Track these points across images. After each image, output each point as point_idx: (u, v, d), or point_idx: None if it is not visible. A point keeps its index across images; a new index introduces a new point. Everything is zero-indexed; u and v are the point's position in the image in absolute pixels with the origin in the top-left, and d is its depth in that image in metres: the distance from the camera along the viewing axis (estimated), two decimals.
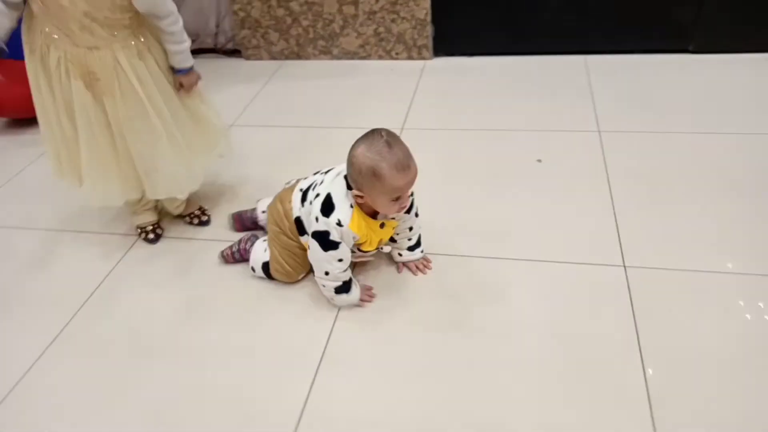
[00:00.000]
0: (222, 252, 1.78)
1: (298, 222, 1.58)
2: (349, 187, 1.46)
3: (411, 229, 1.64)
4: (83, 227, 1.94)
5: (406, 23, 2.94)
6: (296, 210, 1.58)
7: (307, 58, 3.14)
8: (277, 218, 1.62)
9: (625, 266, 1.59)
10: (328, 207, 1.45)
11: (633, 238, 1.68)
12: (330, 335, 1.51)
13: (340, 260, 1.49)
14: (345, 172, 1.48)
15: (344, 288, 1.54)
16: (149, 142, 1.64)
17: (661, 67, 2.64)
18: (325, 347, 1.47)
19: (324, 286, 1.55)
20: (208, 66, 2.53)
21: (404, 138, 1.41)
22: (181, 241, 1.86)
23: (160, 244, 1.85)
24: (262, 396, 1.36)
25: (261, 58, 3.19)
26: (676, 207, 1.79)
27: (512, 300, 1.54)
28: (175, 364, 1.45)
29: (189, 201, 1.93)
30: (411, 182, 1.42)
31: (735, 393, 1.26)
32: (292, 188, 1.64)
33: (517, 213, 1.83)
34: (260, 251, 1.69)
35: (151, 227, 1.88)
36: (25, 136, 2.53)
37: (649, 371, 1.31)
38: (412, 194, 1.55)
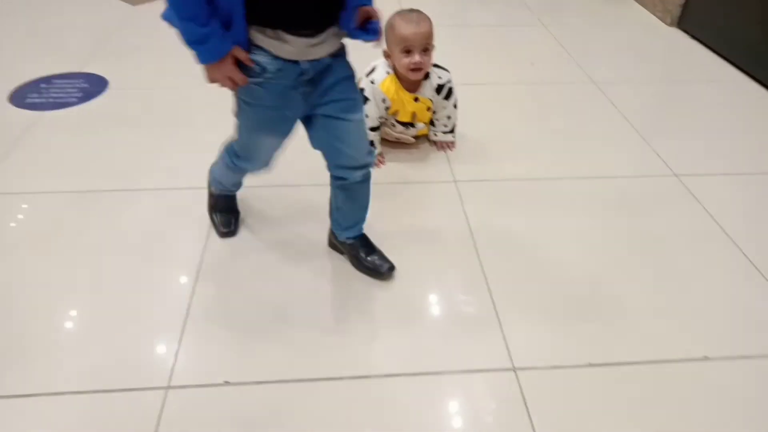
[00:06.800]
0: None
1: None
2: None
3: (449, 117, 2.06)
4: None
5: None
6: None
7: None
8: None
9: None
10: (371, 71, 1.95)
11: None
12: None
13: (366, 115, 1.84)
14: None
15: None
16: None
17: None
18: None
19: None
20: None
21: None
22: None
23: None
24: None
25: None
26: None
27: None
28: None
29: None
30: (420, 36, 1.80)
31: None
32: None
33: None
34: None
35: None
36: None
37: None
38: (450, 82, 1.96)
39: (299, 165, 1.87)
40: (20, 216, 1.78)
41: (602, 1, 3.61)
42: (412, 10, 1.86)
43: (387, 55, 1.92)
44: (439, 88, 1.97)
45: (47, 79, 2.50)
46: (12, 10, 3.26)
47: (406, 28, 1.81)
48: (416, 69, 1.86)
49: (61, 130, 2.18)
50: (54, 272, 1.58)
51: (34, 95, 2.38)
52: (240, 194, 1.78)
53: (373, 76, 1.93)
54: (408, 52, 1.84)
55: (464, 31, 3.19)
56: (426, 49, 1.85)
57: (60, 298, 1.50)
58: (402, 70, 1.89)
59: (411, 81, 1.93)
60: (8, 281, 1.55)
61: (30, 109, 2.29)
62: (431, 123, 2.11)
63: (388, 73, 1.93)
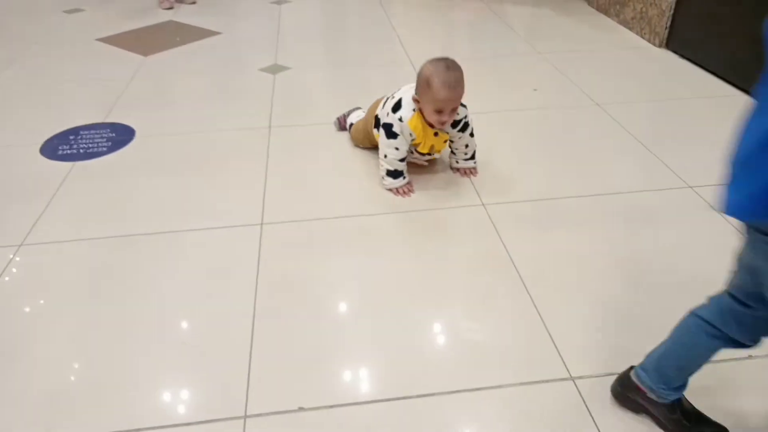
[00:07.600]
0: (337, 118, 2.56)
1: (377, 118, 2.17)
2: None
3: (467, 146, 2.17)
4: None
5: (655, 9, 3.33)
6: (379, 111, 2.17)
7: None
8: (372, 109, 2.27)
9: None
10: (397, 107, 2.03)
11: None
12: None
13: (397, 149, 2.05)
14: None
15: (393, 174, 2.10)
16: None
17: None
18: None
19: (382, 165, 2.12)
20: None
21: None
22: None
23: None
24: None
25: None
26: None
27: None
28: None
29: None
30: (452, 100, 1.89)
31: None
32: (383, 98, 2.21)
33: None
34: (354, 117, 2.47)
35: None
36: None
37: None
38: (466, 117, 2.07)
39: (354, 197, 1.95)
40: (74, 262, 1.83)
41: (589, 28, 3.81)
42: (448, 66, 1.90)
43: (416, 101, 1.99)
44: (455, 123, 2.07)
45: (74, 131, 2.57)
46: (29, 65, 3.36)
47: (443, 92, 1.87)
48: (442, 123, 1.97)
49: (96, 178, 2.25)
50: (106, 315, 1.63)
51: (65, 147, 2.45)
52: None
53: (401, 113, 2.02)
54: (440, 111, 1.92)
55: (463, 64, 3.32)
56: (455, 108, 1.94)
57: (120, 341, 1.55)
58: (429, 119, 1.99)
59: None
60: (68, 325, 1.60)
61: (62, 160, 2.35)
62: (451, 152, 2.23)
63: (414, 111, 2.01)
